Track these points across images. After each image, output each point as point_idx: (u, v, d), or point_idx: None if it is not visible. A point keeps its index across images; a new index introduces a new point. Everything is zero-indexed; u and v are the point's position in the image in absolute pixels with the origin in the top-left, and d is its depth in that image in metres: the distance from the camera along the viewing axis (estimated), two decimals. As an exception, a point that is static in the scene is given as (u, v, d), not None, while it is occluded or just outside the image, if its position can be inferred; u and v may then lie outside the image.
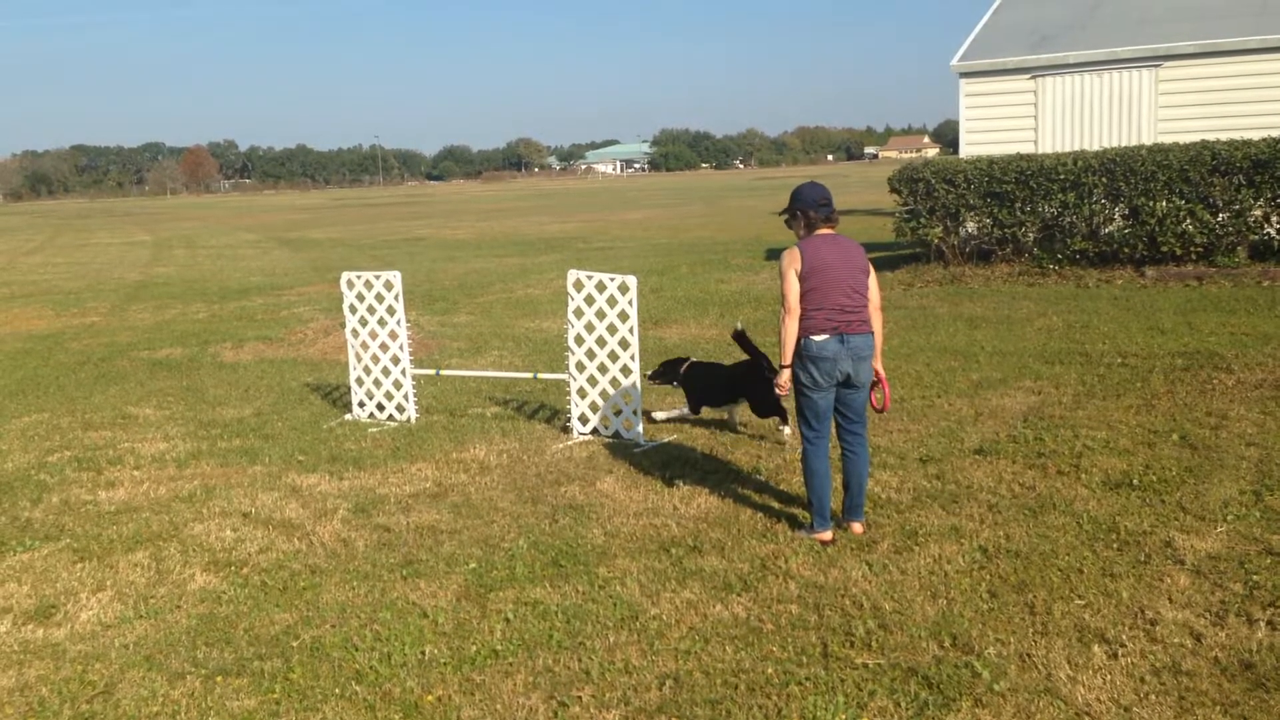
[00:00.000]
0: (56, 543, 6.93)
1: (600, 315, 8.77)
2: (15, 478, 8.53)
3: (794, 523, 6.50)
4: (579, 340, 8.92)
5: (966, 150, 19.16)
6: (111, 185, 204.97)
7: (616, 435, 8.82)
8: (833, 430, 6.32)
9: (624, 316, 8.59)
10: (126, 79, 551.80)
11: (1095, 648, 4.75)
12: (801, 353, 6.05)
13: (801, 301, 6.02)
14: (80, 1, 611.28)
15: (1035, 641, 4.85)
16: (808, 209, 6.18)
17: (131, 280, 26.59)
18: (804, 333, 6.02)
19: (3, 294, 24.39)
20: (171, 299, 21.57)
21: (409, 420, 9.75)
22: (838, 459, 6.46)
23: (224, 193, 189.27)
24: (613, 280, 8.61)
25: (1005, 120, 19.31)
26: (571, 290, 8.83)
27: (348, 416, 10.08)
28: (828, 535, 6.21)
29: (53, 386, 12.64)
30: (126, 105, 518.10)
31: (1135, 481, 6.89)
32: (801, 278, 6.01)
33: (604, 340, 8.79)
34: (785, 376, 6.17)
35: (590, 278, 8.76)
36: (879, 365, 6.28)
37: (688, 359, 9.34)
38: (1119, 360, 10.48)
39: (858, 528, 6.31)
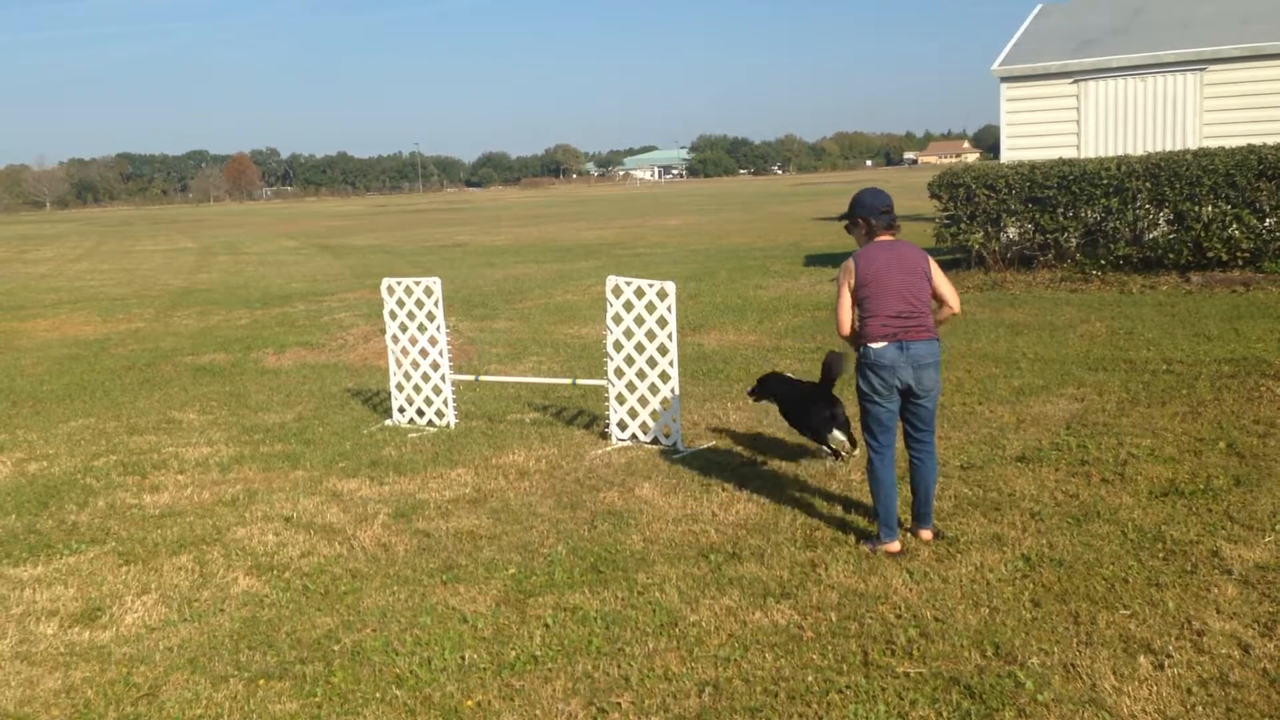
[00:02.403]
0: (102, 546, 7.02)
1: (639, 321, 8.78)
2: (62, 481, 8.65)
3: (860, 534, 6.40)
4: (617, 346, 8.92)
5: (1008, 155, 19.03)
6: (156, 193, 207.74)
7: (655, 441, 8.81)
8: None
9: (662, 322, 8.59)
10: (171, 88, 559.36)
11: (1141, 658, 4.69)
12: (860, 361, 6.03)
13: (858, 309, 6.03)
14: (126, 12, 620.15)
15: (1079, 651, 4.79)
16: (869, 216, 6.16)
17: (176, 286, 26.90)
18: (863, 341, 6.01)
19: (50, 300, 24.74)
20: (215, 305, 21.80)
21: (448, 426, 9.80)
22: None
23: (266, 200, 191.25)
24: (651, 286, 8.61)
25: (1047, 125, 19.16)
26: (610, 296, 8.83)
27: (388, 422, 10.14)
28: (895, 547, 6.12)
29: (99, 391, 12.80)
30: (171, 114, 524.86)
31: (1181, 490, 6.80)
32: (855, 289, 6.01)
33: (642, 346, 8.80)
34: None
35: (629, 284, 8.76)
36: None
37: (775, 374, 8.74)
38: (1164, 367, 10.35)
39: (926, 534, 6.27)
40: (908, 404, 6.12)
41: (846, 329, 6.09)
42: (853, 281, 6.02)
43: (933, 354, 6.02)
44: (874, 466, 6.19)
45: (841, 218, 6.41)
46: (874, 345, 5.96)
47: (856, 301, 6.04)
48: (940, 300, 6.17)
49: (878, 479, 6.17)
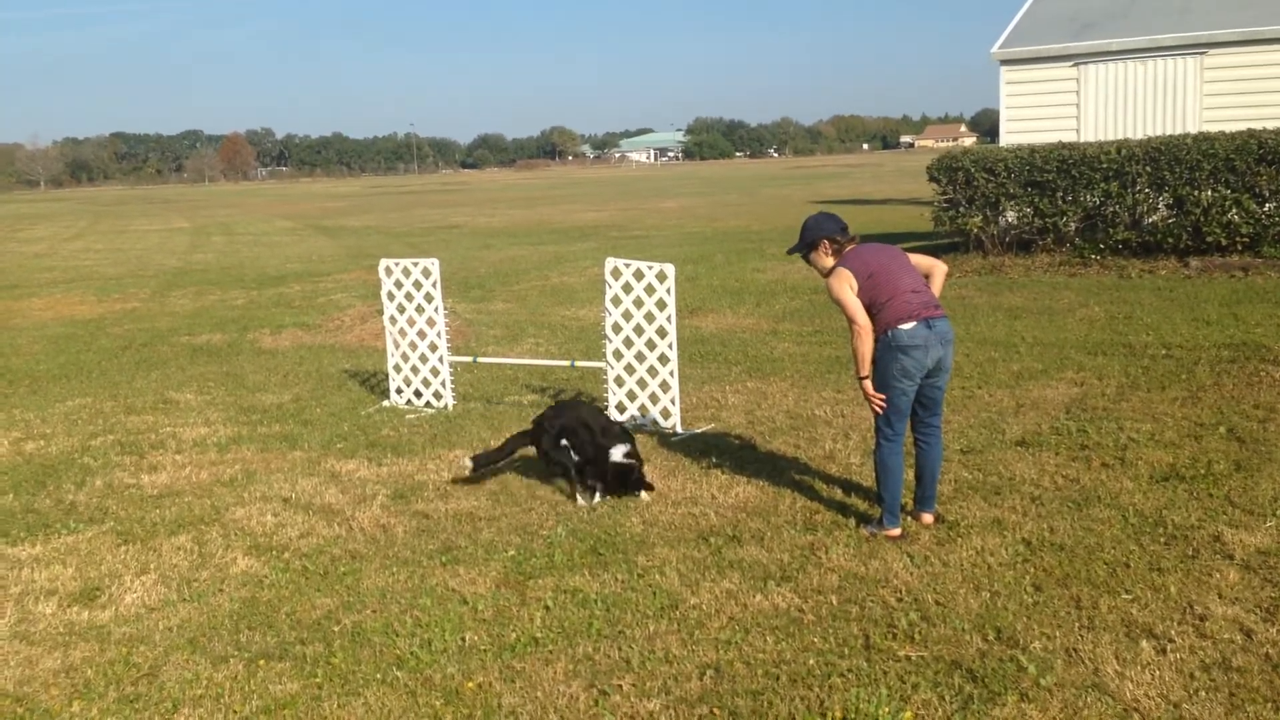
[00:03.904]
0: (101, 525, 6.99)
1: (638, 303, 8.74)
2: (60, 461, 8.61)
3: (861, 517, 6.36)
4: (616, 328, 8.89)
5: (1007, 139, 18.98)
6: (151, 173, 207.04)
7: (654, 424, 8.79)
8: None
9: (661, 305, 8.56)
10: (166, 68, 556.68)
11: (1143, 643, 4.68)
12: (891, 345, 5.92)
13: (871, 303, 5.94)
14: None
15: (1081, 636, 4.78)
16: (834, 235, 6.15)
17: (171, 267, 26.81)
18: (890, 325, 5.90)
19: (45, 279, 24.65)
20: (210, 285, 21.72)
21: (446, 407, 9.77)
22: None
23: (261, 180, 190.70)
24: (650, 268, 8.58)
25: (1047, 108, 19.11)
26: (609, 278, 8.80)
27: (385, 403, 10.11)
28: (897, 532, 6.11)
29: (95, 371, 12.76)
30: (166, 94, 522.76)
31: (1182, 475, 6.79)
32: (860, 286, 5.94)
33: (641, 328, 8.77)
34: (869, 385, 6.06)
35: (628, 265, 8.73)
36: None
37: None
38: (1163, 352, 10.34)
39: (928, 518, 6.26)
40: (923, 387, 6.08)
41: (867, 324, 5.94)
42: (855, 283, 5.94)
43: (951, 330, 6.06)
44: (885, 453, 6.15)
45: (794, 250, 6.33)
46: (904, 326, 5.89)
47: (867, 297, 5.95)
48: (928, 273, 6.25)
49: (887, 466, 6.14)
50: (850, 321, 5.98)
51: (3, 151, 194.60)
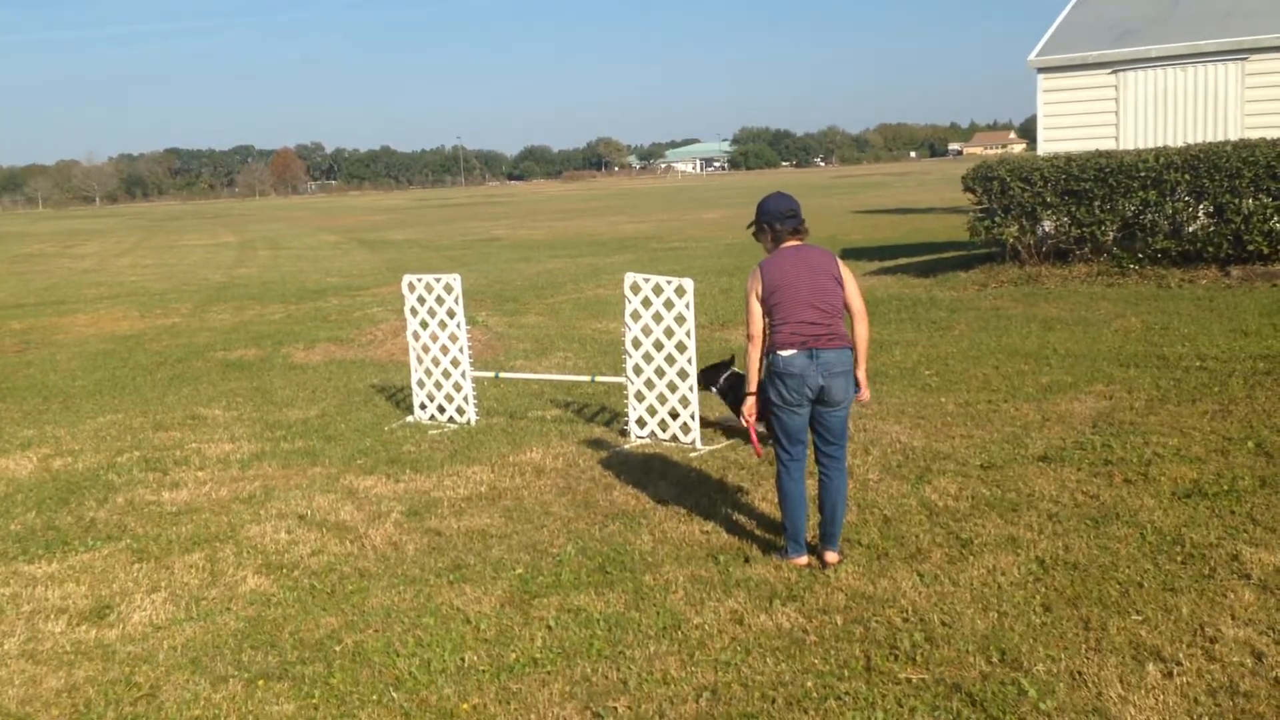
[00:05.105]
0: (117, 543, 7.05)
1: (657, 318, 8.72)
2: (85, 478, 8.71)
3: (770, 546, 6.25)
4: (636, 343, 8.86)
5: (1045, 147, 18.72)
6: (203, 187, 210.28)
7: (674, 439, 8.75)
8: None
9: (681, 320, 8.53)
10: (219, 84, 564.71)
11: (1150, 666, 4.57)
12: (770, 369, 5.85)
13: (768, 318, 5.84)
14: (174, 9, 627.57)
15: (1087, 659, 4.68)
16: (773, 222, 5.95)
17: (215, 281, 27.16)
18: (771, 349, 5.82)
19: (91, 295, 25.05)
20: (251, 300, 21.97)
21: (469, 423, 9.78)
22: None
23: (310, 194, 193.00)
24: (669, 283, 8.55)
25: (1085, 116, 18.82)
26: (628, 293, 8.78)
27: (409, 418, 10.15)
28: (803, 560, 5.99)
29: (129, 387, 12.92)
30: (218, 109, 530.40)
31: (1205, 491, 6.63)
32: (764, 297, 5.83)
33: (661, 344, 8.73)
34: (750, 404, 6.03)
35: (647, 280, 8.70)
36: (861, 374, 5.95)
37: (730, 366, 9.07)
38: (1197, 364, 10.14)
39: (831, 556, 5.97)
40: (817, 414, 5.88)
41: (757, 336, 5.87)
42: (761, 290, 5.83)
43: (844, 362, 5.79)
44: (781, 478, 6.03)
45: (749, 225, 6.18)
46: (783, 353, 5.76)
47: (766, 310, 5.84)
48: (850, 312, 5.90)
49: (785, 491, 6.01)
50: (745, 324, 6.00)
51: (60, 168, 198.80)
